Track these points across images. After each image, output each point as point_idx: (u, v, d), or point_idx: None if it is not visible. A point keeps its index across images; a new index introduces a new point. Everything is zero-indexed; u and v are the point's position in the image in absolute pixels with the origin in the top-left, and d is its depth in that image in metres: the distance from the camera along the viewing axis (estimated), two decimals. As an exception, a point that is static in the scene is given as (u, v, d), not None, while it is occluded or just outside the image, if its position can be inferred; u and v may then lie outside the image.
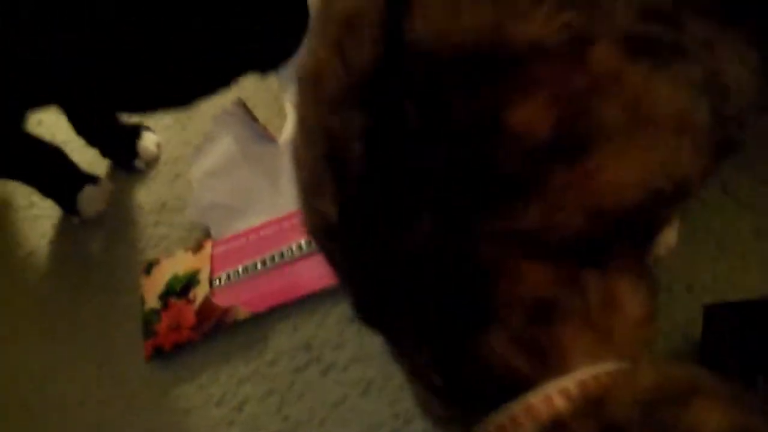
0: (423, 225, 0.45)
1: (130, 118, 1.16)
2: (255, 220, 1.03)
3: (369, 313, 0.52)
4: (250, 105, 1.11)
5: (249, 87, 1.11)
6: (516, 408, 0.44)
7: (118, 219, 1.13)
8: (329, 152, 0.49)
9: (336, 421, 0.87)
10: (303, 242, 0.97)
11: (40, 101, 1.03)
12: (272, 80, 1.09)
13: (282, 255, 0.97)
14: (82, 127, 1.14)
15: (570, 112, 0.44)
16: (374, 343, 0.89)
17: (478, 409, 0.45)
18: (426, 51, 0.44)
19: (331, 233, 0.50)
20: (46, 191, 1.13)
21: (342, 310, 0.93)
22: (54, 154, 1.11)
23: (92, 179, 1.13)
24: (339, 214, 0.48)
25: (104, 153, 1.15)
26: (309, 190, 0.51)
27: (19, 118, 1.04)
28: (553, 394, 0.43)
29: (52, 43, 0.83)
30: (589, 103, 0.44)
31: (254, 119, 1.10)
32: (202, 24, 0.84)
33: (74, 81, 0.90)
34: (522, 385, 0.44)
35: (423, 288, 0.46)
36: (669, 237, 0.75)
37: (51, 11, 0.81)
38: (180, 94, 0.95)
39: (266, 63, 0.94)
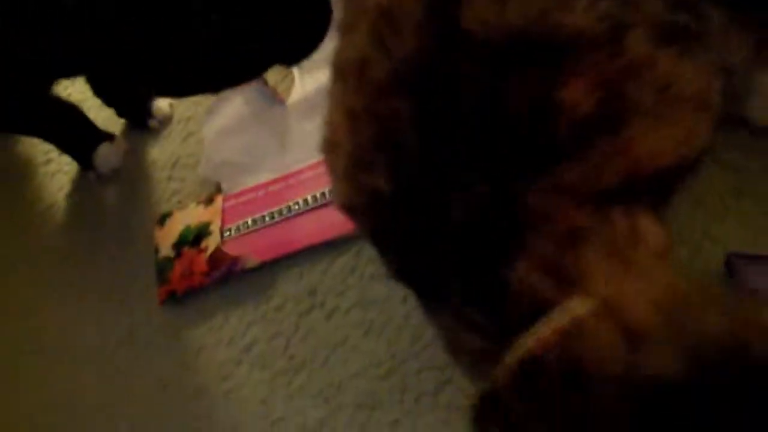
0: (477, 190, 0.51)
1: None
2: (263, 177, 1.08)
3: (413, 273, 0.58)
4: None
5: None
6: (540, 327, 0.48)
7: (133, 175, 1.19)
8: (379, 136, 0.54)
9: (338, 360, 0.93)
10: (309, 197, 1.03)
11: (71, 73, 1.10)
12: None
13: (289, 209, 1.04)
14: (99, 89, 1.20)
15: (611, 92, 0.50)
16: (375, 290, 0.96)
17: (512, 336, 0.50)
18: (478, 39, 0.50)
19: (379, 207, 0.56)
20: (64, 148, 1.19)
21: (345, 260, 0.99)
22: (72, 112, 1.17)
23: (108, 137, 1.19)
24: (393, 188, 0.54)
25: (120, 113, 1.21)
26: (354, 169, 0.57)
27: (49, 86, 1.11)
28: (576, 308, 0.48)
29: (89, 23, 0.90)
30: (626, 84, 0.51)
31: (264, 82, 1.15)
32: (231, 21, 0.91)
33: (114, 62, 0.97)
34: (549, 309, 0.49)
35: (466, 236, 0.52)
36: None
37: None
38: (209, 84, 1.01)
39: (291, 57, 1.00)
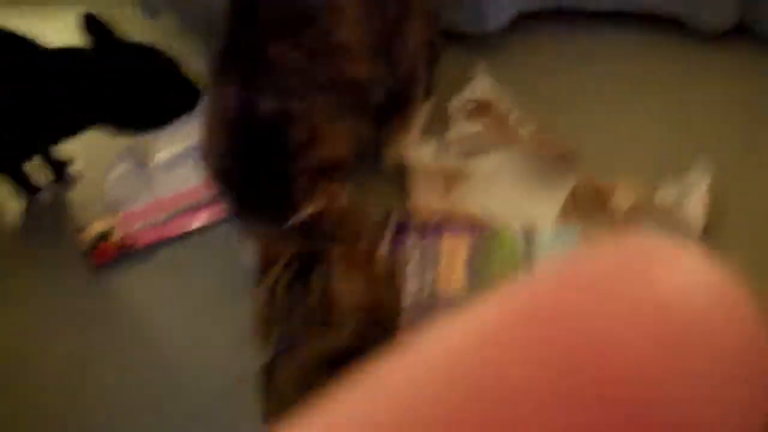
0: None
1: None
2: (140, 205, 1.97)
3: (245, 199, 1.49)
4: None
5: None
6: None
7: (60, 208, 2.02)
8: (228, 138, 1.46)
9: (191, 293, 1.81)
10: (165, 215, 1.92)
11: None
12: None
13: (159, 218, 1.92)
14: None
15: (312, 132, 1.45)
16: (223, 257, 1.85)
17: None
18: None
19: (226, 165, 1.47)
20: (20, 189, 2.00)
21: (197, 241, 1.88)
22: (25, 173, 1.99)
23: (39, 188, 2.02)
24: (233, 156, 1.45)
25: (51, 172, 2.05)
26: (213, 154, 1.48)
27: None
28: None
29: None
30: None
31: (135, 154, 2.05)
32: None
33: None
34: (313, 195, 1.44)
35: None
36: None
37: None
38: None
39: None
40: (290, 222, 1.38)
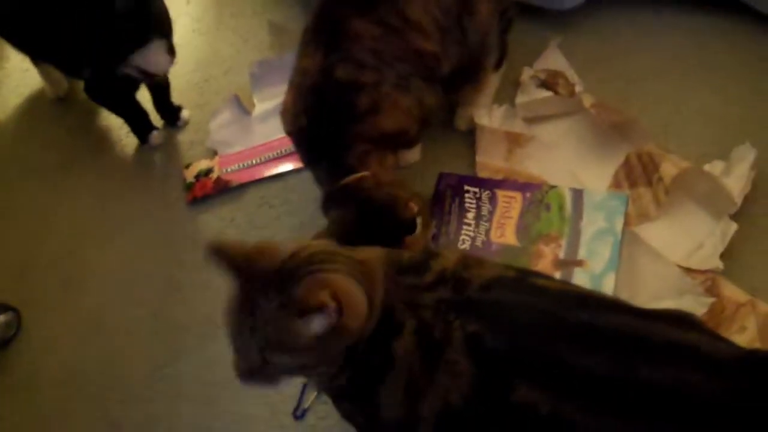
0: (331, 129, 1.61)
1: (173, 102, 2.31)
2: (238, 148, 2.19)
3: (320, 156, 1.67)
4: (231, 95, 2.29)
5: (241, 85, 2.29)
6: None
7: (170, 147, 2.27)
8: (302, 99, 1.62)
9: (278, 223, 1.99)
10: (262, 157, 2.14)
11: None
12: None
13: (252, 161, 2.14)
14: (157, 106, 2.28)
15: (376, 103, 1.60)
16: (293, 195, 2.04)
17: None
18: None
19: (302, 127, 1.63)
20: (135, 129, 2.27)
21: (279, 185, 2.08)
22: (143, 112, 2.25)
23: (156, 128, 2.28)
24: (308, 120, 1.59)
25: (163, 117, 2.31)
26: (293, 115, 1.63)
27: (135, 91, 2.18)
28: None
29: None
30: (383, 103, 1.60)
31: (240, 103, 2.28)
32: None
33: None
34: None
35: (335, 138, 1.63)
36: (413, 154, 1.93)
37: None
38: None
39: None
40: (340, 183, 1.52)
